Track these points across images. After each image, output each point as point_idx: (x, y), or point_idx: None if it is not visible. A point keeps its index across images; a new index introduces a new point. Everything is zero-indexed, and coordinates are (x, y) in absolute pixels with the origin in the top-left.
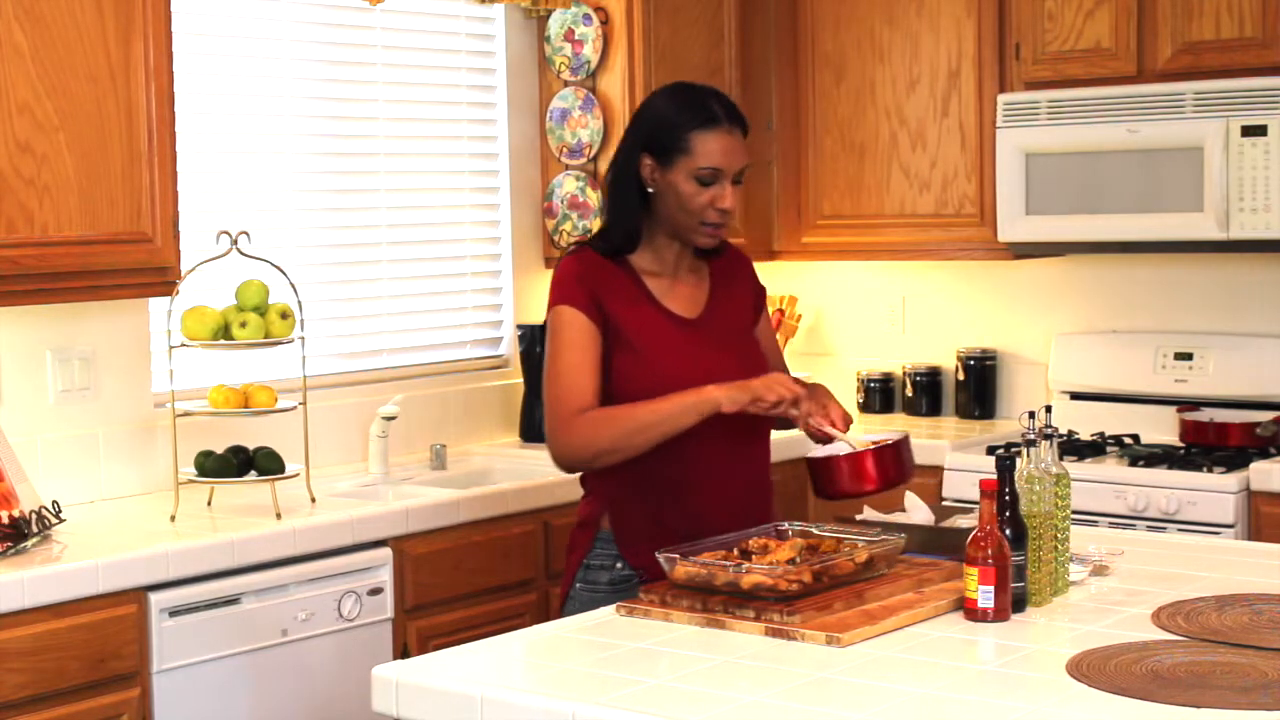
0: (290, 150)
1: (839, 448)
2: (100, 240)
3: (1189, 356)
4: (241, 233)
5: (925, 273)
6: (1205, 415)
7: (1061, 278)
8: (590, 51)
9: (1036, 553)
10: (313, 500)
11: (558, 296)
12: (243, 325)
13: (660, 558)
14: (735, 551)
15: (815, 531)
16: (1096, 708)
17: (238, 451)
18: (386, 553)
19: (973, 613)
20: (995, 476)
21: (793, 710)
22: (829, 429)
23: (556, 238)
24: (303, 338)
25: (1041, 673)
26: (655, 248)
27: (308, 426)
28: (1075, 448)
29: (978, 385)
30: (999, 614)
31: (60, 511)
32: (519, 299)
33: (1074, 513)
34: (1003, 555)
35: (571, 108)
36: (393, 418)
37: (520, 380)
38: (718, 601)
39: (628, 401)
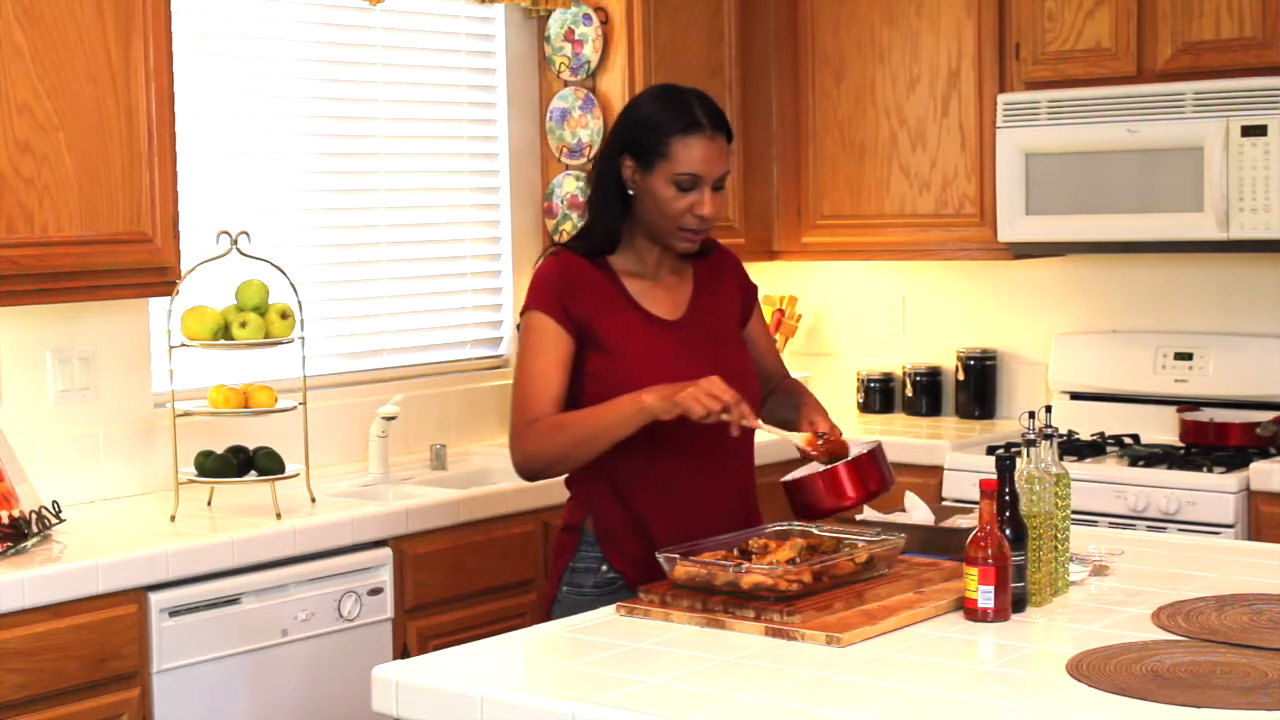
0: (290, 150)
1: (813, 467)
2: (100, 240)
3: (1189, 356)
4: (241, 233)
5: (925, 273)
6: (1205, 415)
7: (1061, 278)
8: (590, 51)
9: (1036, 553)
10: (313, 500)
11: (528, 301)
12: (243, 325)
13: (660, 558)
14: (735, 551)
15: (815, 531)
16: (1096, 708)
17: (238, 451)
18: (386, 553)
19: (973, 613)
20: (995, 476)
21: (793, 710)
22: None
23: (556, 238)
24: (303, 338)
25: (1041, 673)
26: (636, 249)
27: (308, 426)
28: (1075, 448)
29: (978, 385)
30: (999, 614)
31: (60, 511)
32: (519, 299)
33: (1074, 513)
34: (1003, 555)
35: (571, 108)
36: (393, 418)
37: None
38: (718, 601)
39: (599, 403)
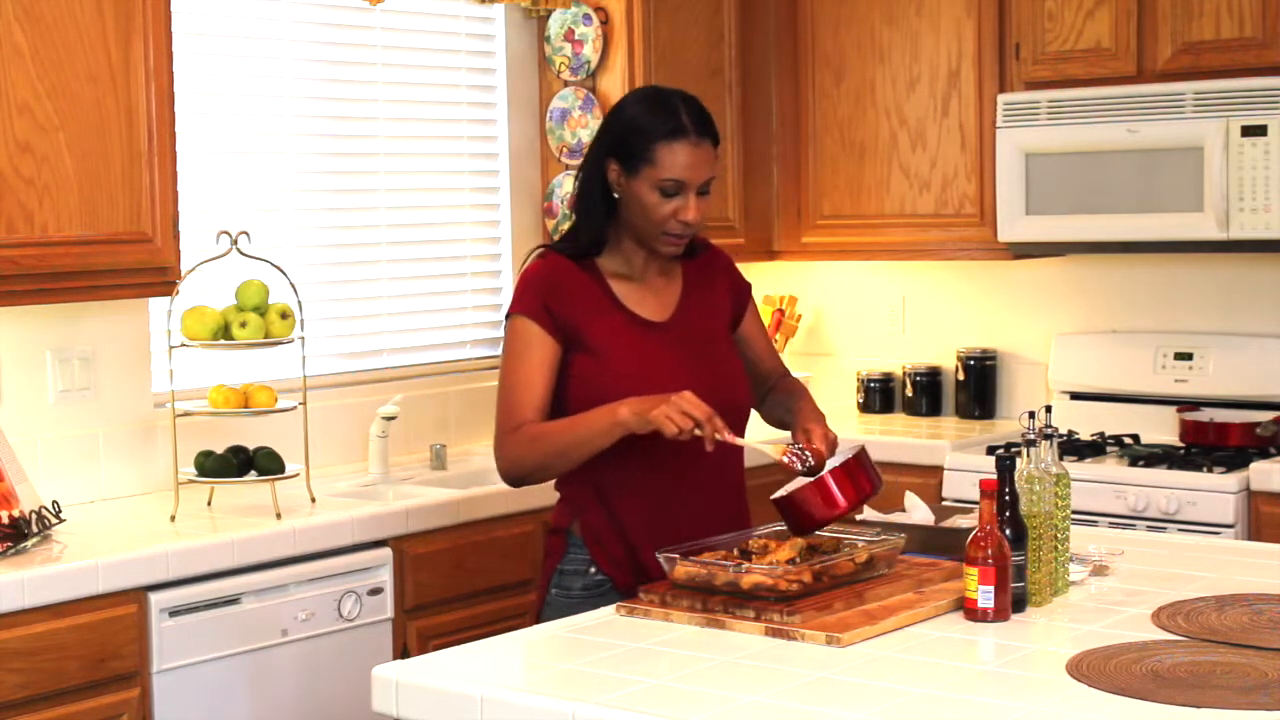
0: (290, 150)
1: (800, 481)
2: (100, 240)
3: (1189, 356)
4: (241, 233)
5: (925, 273)
6: (1205, 415)
7: (1061, 278)
8: (590, 51)
9: (1036, 553)
10: (313, 500)
11: (513, 305)
12: (243, 325)
13: (660, 558)
14: (735, 551)
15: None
16: (1096, 708)
17: (238, 451)
18: (386, 553)
19: (973, 613)
20: (995, 476)
21: (793, 710)
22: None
23: (556, 237)
24: (303, 338)
25: (1041, 673)
26: (623, 251)
27: (308, 426)
28: (1075, 448)
29: (978, 385)
30: (999, 614)
31: (60, 511)
32: None
33: (1074, 513)
34: (1003, 555)
35: (571, 108)
36: (393, 418)
37: None
38: (718, 601)
39: (585, 406)
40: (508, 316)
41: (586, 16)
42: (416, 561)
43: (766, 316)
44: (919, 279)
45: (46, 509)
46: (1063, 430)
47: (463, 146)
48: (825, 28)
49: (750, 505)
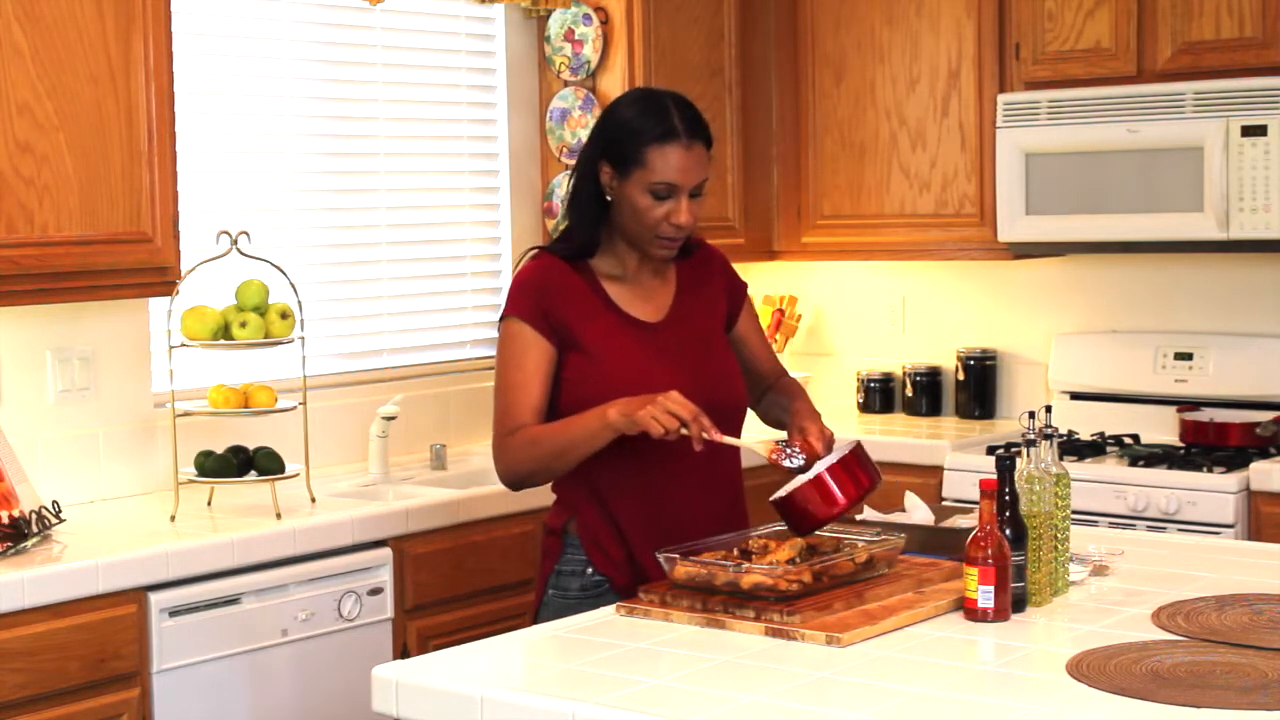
0: (290, 150)
1: (798, 481)
2: (100, 240)
3: (1189, 356)
4: (241, 233)
5: (925, 273)
6: (1205, 415)
7: (1061, 278)
8: (590, 51)
9: (1036, 553)
10: (313, 500)
11: (507, 308)
12: (243, 325)
13: (660, 557)
14: (735, 551)
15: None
16: (1096, 708)
17: (238, 451)
18: (386, 553)
19: (973, 613)
20: (995, 476)
21: (793, 710)
22: (784, 461)
23: (556, 237)
24: (303, 338)
25: (1041, 673)
26: (616, 252)
27: (308, 426)
28: (1075, 448)
29: (978, 385)
30: (999, 614)
31: (60, 511)
32: None
33: (1074, 513)
34: (1003, 555)
35: (571, 108)
36: (393, 418)
37: None
38: (718, 601)
39: (579, 408)
40: (502, 319)
41: (586, 16)
42: (416, 561)
43: (766, 316)
44: (919, 279)
45: (46, 509)
46: (1063, 430)
47: (463, 146)
48: (825, 28)
49: (750, 505)
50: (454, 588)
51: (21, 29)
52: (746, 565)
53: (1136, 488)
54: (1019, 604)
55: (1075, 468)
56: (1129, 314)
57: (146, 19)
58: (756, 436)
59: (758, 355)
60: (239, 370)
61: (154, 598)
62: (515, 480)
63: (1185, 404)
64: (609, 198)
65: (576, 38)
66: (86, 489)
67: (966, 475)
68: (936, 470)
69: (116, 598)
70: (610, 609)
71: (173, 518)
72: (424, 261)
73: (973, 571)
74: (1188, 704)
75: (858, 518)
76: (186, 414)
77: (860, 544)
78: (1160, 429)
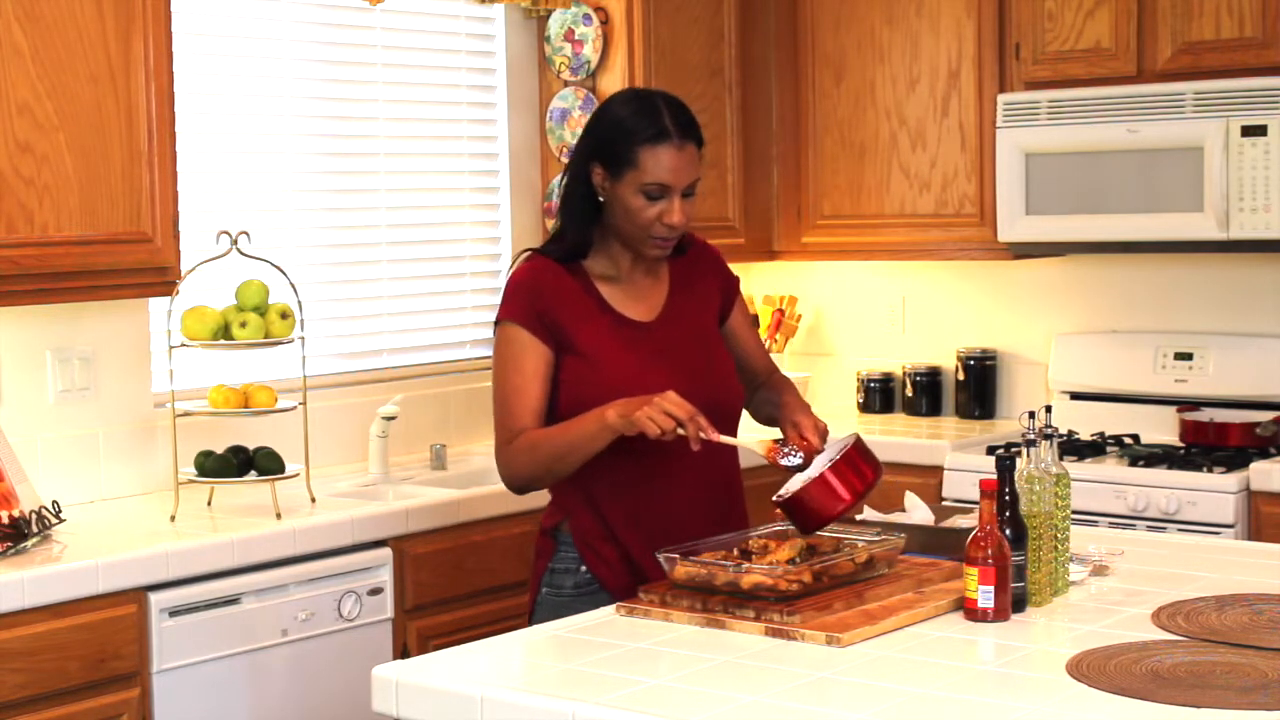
0: (290, 150)
1: (801, 479)
2: (100, 240)
3: (1189, 356)
4: (241, 233)
5: (925, 273)
6: (1205, 415)
7: (1061, 278)
8: (590, 51)
9: (1036, 553)
10: (313, 500)
11: (502, 312)
12: (243, 325)
13: (660, 557)
14: (735, 551)
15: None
16: (1096, 708)
17: (238, 451)
18: (386, 553)
19: (973, 613)
20: (995, 476)
21: (793, 710)
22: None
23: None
24: (303, 338)
25: (1041, 673)
26: (609, 253)
27: (308, 426)
28: (1075, 448)
29: (978, 385)
30: (999, 614)
31: (60, 511)
32: None
33: (1074, 513)
34: (1003, 555)
35: (571, 108)
36: (393, 418)
37: None
38: (718, 601)
39: (576, 410)
40: (497, 324)
41: (586, 16)
42: (416, 561)
43: (766, 317)
44: (919, 279)
45: (46, 509)
46: (1063, 430)
47: (463, 146)
48: (825, 28)
49: (750, 505)
50: (454, 588)
51: (21, 29)
52: (746, 565)
53: (1136, 488)
54: (1019, 604)
55: (1075, 468)
56: (1129, 314)
57: (146, 19)
58: (754, 436)
59: (749, 352)
60: (239, 370)
61: (154, 598)
62: (519, 485)
63: (1185, 404)
64: (601, 199)
65: (576, 38)
66: (86, 489)
67: (966, 475)
68: (936, 470)
69: (116, 598)
70: (610, 609)
71: (173, 518)
72: (424, 261)
73: (973, 571)
74: (1188, 704)
75: (858, 518)
76: (186, 414)
77: (860, 544)
78: (1160, 429)
